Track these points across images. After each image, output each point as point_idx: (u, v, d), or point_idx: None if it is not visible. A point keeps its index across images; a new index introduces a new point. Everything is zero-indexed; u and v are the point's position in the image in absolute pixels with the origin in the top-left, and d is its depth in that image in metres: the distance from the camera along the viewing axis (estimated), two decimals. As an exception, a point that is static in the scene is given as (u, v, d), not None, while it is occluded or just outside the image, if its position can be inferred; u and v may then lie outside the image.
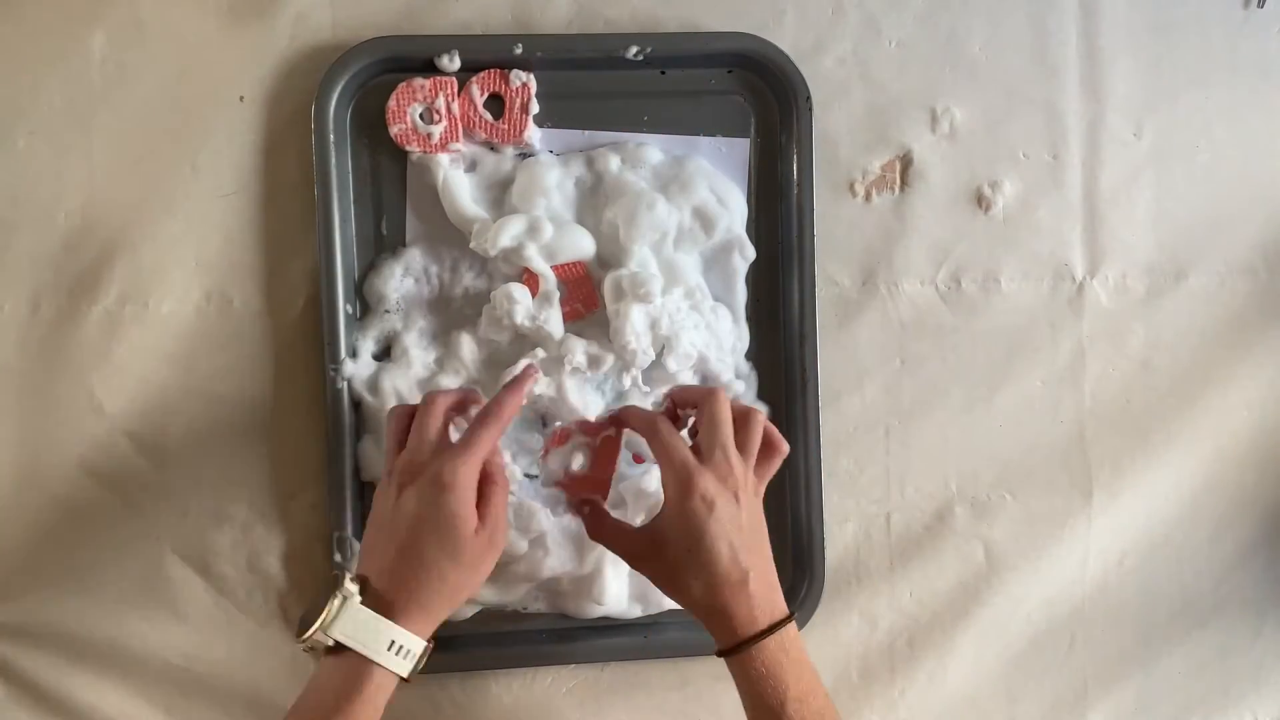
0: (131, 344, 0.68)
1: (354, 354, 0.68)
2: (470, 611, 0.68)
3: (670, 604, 0.70)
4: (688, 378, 0.69)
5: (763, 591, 0.58)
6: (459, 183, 0.69)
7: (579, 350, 0.67)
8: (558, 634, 0.70)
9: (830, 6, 0.73)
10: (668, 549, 0.58)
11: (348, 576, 0.56)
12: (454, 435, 0.60)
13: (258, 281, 0.69)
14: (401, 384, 0.68)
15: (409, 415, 0.60)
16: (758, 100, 0.71)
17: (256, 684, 0.69)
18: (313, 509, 0.69)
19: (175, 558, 0.68)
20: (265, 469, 0.69)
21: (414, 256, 0.69)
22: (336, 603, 0.55)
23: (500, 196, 0.69)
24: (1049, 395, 0.75)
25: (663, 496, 0.60)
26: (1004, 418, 0.74)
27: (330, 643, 0.55)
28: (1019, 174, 0.74)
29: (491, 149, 0.70)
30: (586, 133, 0.70)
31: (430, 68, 0.69)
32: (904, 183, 0.73)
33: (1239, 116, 0.76)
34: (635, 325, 0.66)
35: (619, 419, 0.64)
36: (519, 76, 0.69)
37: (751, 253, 0.71)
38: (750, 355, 0.71)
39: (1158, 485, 0.75)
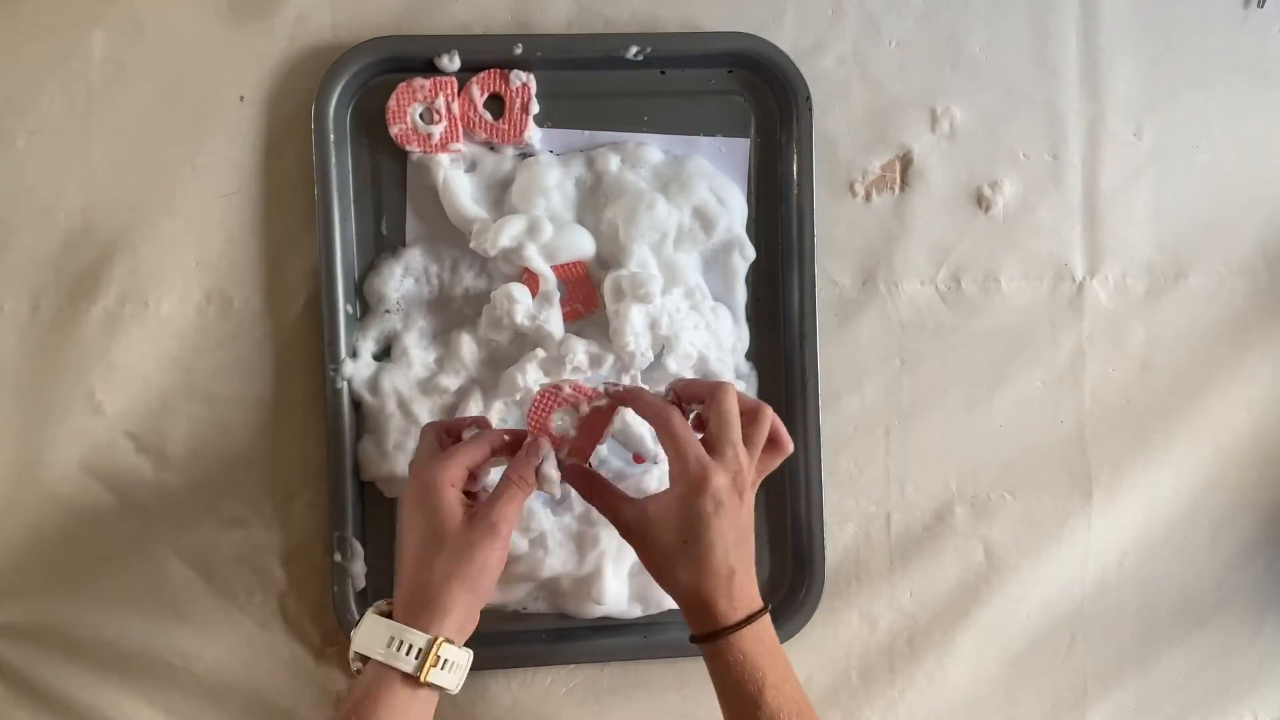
0: (131, 344, 0.68)
1: (354, 354, 0.68)
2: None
3: (670, 604, 0.70)
4: (689, 377, 0.69)
5: (744, 585, 0.58)
6: (459, 183, 0.69)
7: (579, 350, 0.67)
8: (558, 634, 0.70)
9: (830, 6, 0.73)
10: (663, 535, 0.58)
11: (383, 600, 0.59)
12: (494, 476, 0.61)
13: (258, 281, 0.69)
14: (401, 384, 0.68)
15: (432, 434, 0.62)
16: (758, 100, 0.71)
17: (256, 684, 0.69)
18: (313, 509, 0.69)
19: (175, 558, 0.68)
20: (265, 469, 0.69)
21: (414, 256, 0.69)
22: (362, 620, 0.57)
23: (500, 196, 0.69)
24: (1049, 395, 0.75)
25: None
26: (1004, 418, 0.74)
27: (356, 659, 0.57)
28: (1019, 174, 0.74)
29: (491, 149, 0.70)
30: (586, 133, 0.70)
31: (430, 68, 0.69)
32: (904, 183, 0.73)
33: (1239, 116, 0.76)
34: (635, 325, 0.66)
35: (624, 398, 0.62)
36: (519, 76, 0.69)
37: (751, 253, 0.71)
38: (750, 355, 0.71)
39: (1158, 485, 0.75)
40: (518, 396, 0.66)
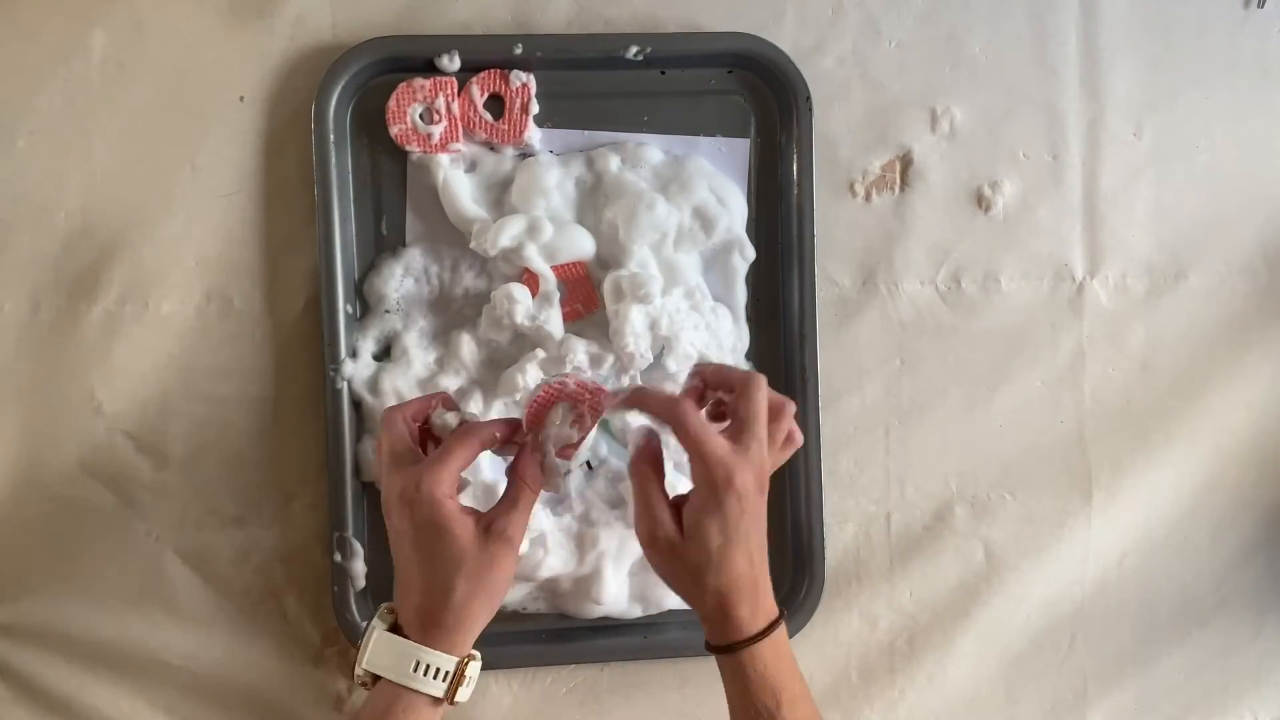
0: (131, 344, 0.68)
1: (354, 354, 0.68)
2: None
3: (670, 604, 0.70)
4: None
5: (766, 592, 0.57)
6: (459, 183, 0.69)
7: (579, 350, 0.67)
8: (558, 634, 0.70)
9: (830, 6, 0.73)
10: (693, 545, 0.55)
11: (384, 608, 0.57)
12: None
13: (258, 281, 0.69)
14: (401, 384, 0.68)
15: (400, 421, 0.58)
16: (758, 100, 0.71)
17: (256, 684, 0.69)
18: (313, 509, 0.69)
19: (175, 558, 0.68)
20: (265, 469, 0.69)
21: (414, 256, 0.69)
22: (368, 635, 0.55)
23: (500, 196, 0.69)
24: (1049, 395, 0.75)
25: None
26: (1004, 418, 0.74)
27: (364, 675, 0.55)
28: (1019, 174, 0.74)
29: (491, 149, 0.70)
30: (586, 133, 0.70)
31: (430, 68, 0.69)
32: (904, 183, 0.73)
33: (1239, 116, 0.76)
34: (635, 326, 0.66)
35: (632, 402, 0.58)
36: (519, 76, 0.69)
37: (751, 253, 0.71)
38: (750, 355, 0.71)
39: (1158, 485, 0.75)
40: (518, 397, 0.66)
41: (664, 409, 0.57)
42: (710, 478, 0.55)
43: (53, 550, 0.68)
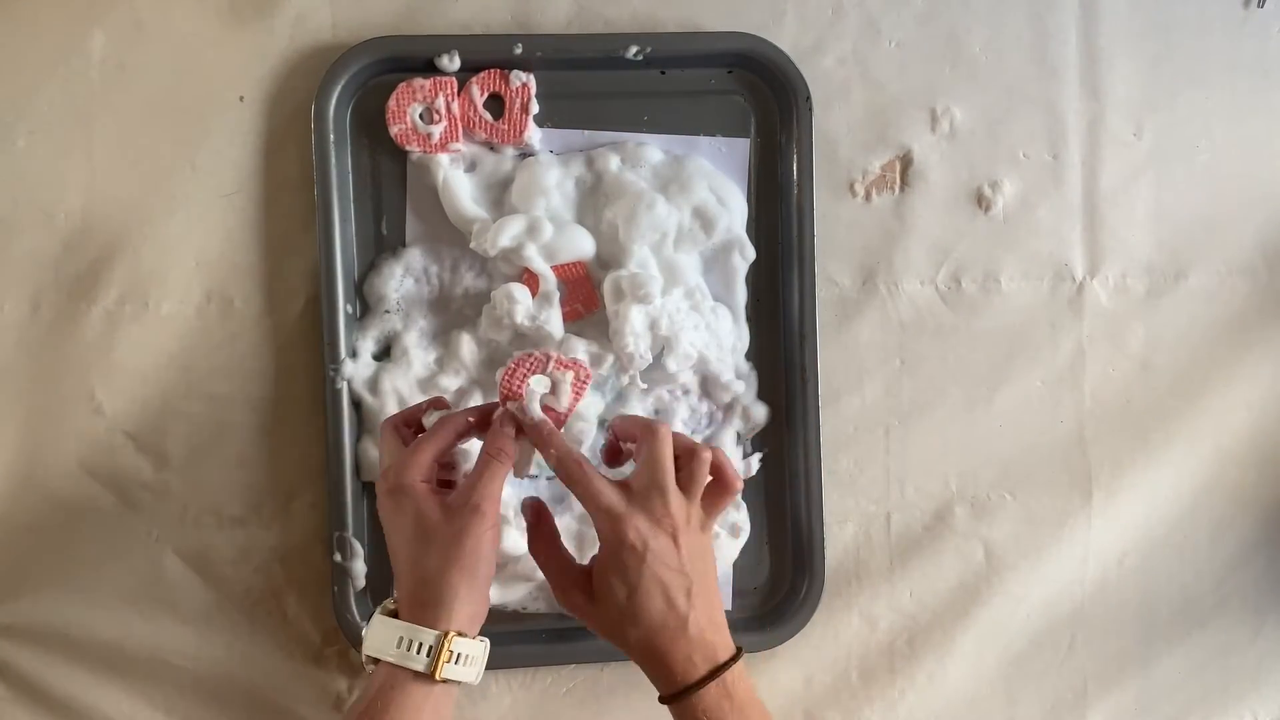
0: (131, 344, 0.68)
1: (354, 354, 0.68)
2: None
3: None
4: (688, 378, 0.70)
5: (703, 635, 0.56)
6: (459, 183, 0.69)
7: (579, 350, 0.67)
8: (558, 634, 0.70)
9: (830, 6, 0.73)
10: (605, 597, 0.57)
11: (388, 600, 0.58)
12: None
13: (258, 281, 0.69)
14: (401, 384, 0.68)
15: (392, 430, 0.61)
16: (758, 100, 0.71)
17: (256, 684, 0.69)
18: (313, 509, 0.69)
19: (175, 558, 0.68)
20: (265, 469, 0.69)
21: (414, 256, 0.69)
22: (370, 622, 0.57)
23: (500, 196, 0.69)
24: (1049, 395, 0.75)
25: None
26: (1004, 418, 0.74)
27: (368, 661, 0.56)
28: (1019, 174, 0.74)
29: (491, 149, 0.70)
30: (586, 133, 0.70)
31: (430, 68, 0.69)
32: (904, 183, 0.73)
33: (1239, 116, 0.76)
34: (635, 326, 0.66)
35: (535, 436, 0.59)
36: (519, 76, 0.69)
37: (751, 253, 0.71)
38: (750, 355, 0.71)
39: (1158, 485, 0.75)
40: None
41: (559, 463, 0.58)
42: (603, 531, 0.57)
43: (53, 550, 0.68)
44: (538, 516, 0.62)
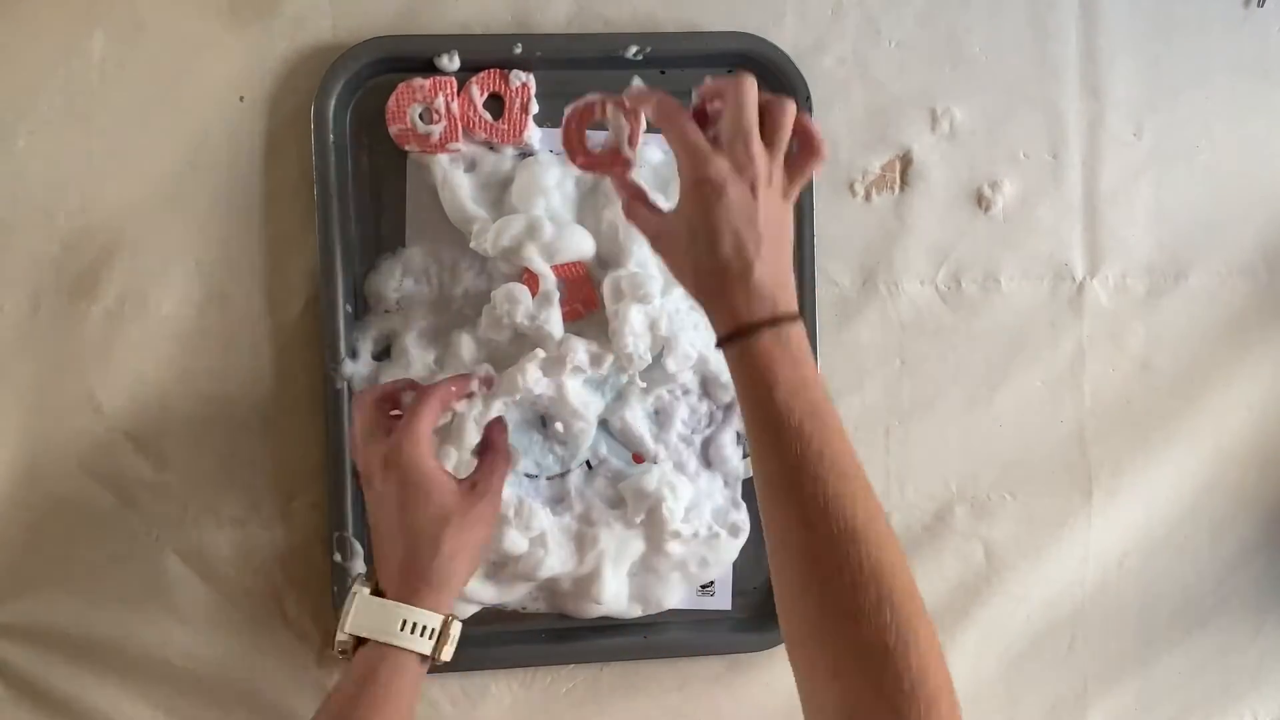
0: (131, 344, 0.68)
1: (354, 354, 0.68)
2: (470, 611, 0.68)
3: (670, 604, 0.70)
4: (688, 378, 0.69)
5: (769, 286, 0.55)
6: (459, 183, 0.68)
7: (579, 350, 0.67)
8: (558, 634, 0.70)
9: (830, 6, 0.73)
10: (679, 233, 0.56)
11: (359, 576, 0.58)
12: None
13: (258, 281, 0.69)
14: (401, 384, 0.68)
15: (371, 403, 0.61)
16: (758, 100, 0.71)
17: (256, 684, 0.69)
18: (313, 509, 0.69)
19: (175, 558, 0.68)
20: (265, 469, 0.69)
21: (414, 256, 0.69)
22: (349, 602, 0.56)
23: (500, 196, 0.69)
24: (1049, 395, 0.75)
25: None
26: (1004, 418, 0.74)
27: (348, 639, 0.56)
28: (1019, 174, 0.74)
29: (491, 149, 0.70)
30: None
31: (430, 68, 0.69)
32: (904, 183, 0.73)
33: (1239, 116, 0.76)
34: (634, 326, 0.66)
35: (636, 102, 0.60)
36: (519, 76, 0.69)
37: (751, 253, 0.70)
38: (750, 355, 0.71)
39: (1158, 485, 0.75)
40: (517, 397, 0.66)
41: (655, 108, 0.57)
42: (684, 169, 0.55)
43: (53, 550, 0.68)
44: (633, 189, 0.61)
